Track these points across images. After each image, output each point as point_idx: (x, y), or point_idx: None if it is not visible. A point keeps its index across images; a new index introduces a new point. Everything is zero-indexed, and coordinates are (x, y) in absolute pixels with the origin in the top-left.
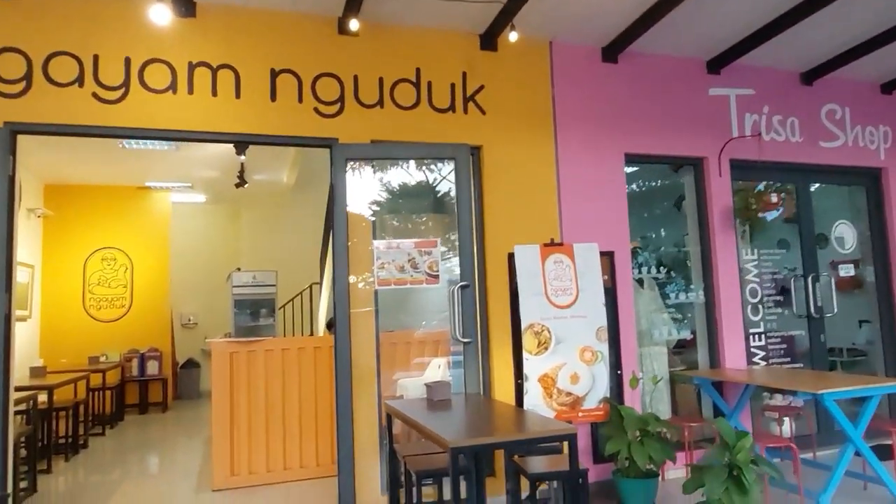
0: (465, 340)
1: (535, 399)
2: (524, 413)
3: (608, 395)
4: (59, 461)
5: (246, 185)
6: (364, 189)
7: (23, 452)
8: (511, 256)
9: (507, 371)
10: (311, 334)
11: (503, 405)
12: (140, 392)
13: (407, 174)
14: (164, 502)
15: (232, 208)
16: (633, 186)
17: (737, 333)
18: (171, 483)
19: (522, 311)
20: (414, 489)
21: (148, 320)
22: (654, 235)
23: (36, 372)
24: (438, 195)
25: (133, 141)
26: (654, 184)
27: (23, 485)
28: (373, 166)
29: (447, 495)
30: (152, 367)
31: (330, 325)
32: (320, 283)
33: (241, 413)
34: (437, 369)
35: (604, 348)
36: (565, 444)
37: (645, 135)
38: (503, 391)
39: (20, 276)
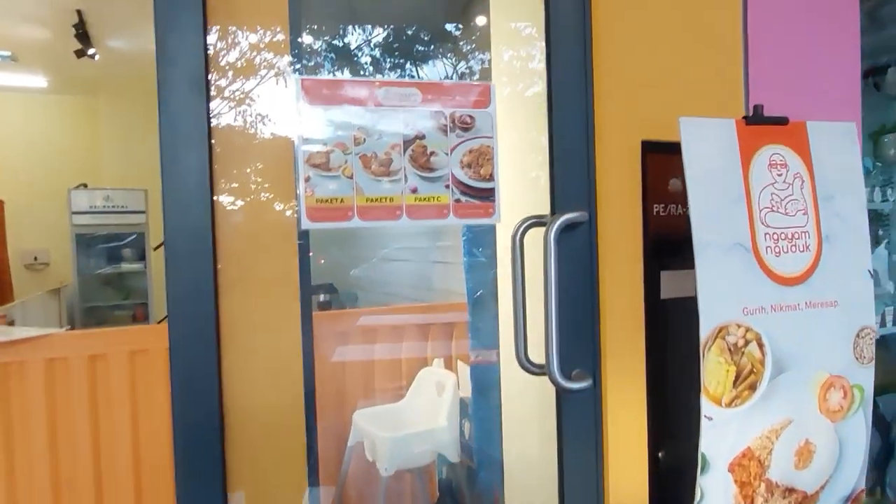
0: (573, 387)
1: None
2: None
3: (864, 481)
4: None
5: (94, 56)
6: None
7: None
8: (650, 149)
9: (633, 439)
10: None
11: None
12: None
13: None
14: None
15: (87, 100)
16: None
17: None
18: None
19: (702, 294)
20: None
21: None
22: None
23: None
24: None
25: None
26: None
27: None
28: None
29: None
30: None
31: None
32: None
33: None
34: (441, 394)
35: (866, 376)
36: None
37: None
38: (624, 485)
39: None
